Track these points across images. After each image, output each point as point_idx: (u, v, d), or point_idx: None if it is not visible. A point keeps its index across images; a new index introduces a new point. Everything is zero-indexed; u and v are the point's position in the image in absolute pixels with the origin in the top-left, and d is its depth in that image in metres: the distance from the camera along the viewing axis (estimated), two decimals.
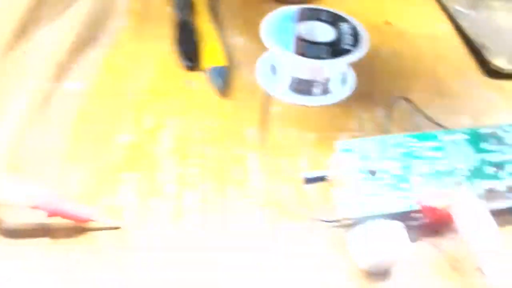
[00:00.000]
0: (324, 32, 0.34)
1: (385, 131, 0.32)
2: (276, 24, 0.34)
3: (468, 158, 0.28)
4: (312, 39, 0.33)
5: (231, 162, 0.30)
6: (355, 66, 0.36)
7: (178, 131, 0.31)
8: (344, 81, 0.35)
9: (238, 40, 0.38)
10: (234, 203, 0.28)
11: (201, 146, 0.30)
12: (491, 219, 0.24)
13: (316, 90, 0.34)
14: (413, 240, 0.26)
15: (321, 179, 0.27)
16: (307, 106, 0.34)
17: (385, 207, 0.25)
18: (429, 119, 0.32)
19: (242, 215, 0.27)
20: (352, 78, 0.36)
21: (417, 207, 0.25)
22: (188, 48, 0.36)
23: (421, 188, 0.26)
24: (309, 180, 0.26)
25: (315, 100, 0.34)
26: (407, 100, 0.33)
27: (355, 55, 0.33)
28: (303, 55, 0.32)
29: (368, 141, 0.28)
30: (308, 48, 0.33)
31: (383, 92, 0.35)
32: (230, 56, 0.37)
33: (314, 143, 0.31)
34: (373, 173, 0.26)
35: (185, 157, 0.30)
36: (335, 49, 0.33)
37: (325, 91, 0.34)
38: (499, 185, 0.26)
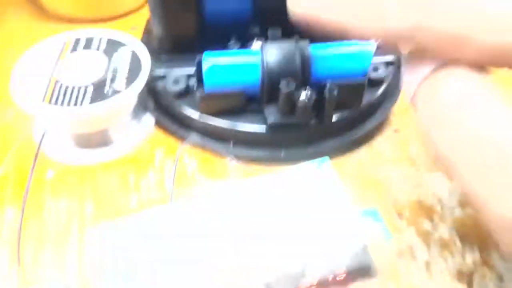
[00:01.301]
0: (93, 66, 0.26)
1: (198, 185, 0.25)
2: (34, 64, 0.26)
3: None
4: (70, 81, 0.25)
5: None
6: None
7: None
8: (138, 120, 0.27)
9: None
10: None
11: None
12: None
13: (99, 141, 0.26)
14: None
15: None
16: (92, 165, 0.26)
17: None
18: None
19: None
20: (149, 115, 0.28)
21: None
22: None
23: None
24: None
25: (99, 155, 0.26)
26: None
27: (120, 100, 0.25)
28: (58, 103, 0.24)
29: (138, 218, 0.21)
30: (65, 94, 0.25)
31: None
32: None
33: (94, 219, 0.24)
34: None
35: None
36: (99, 92, 0.25)
37: (113, 140, 0.27)
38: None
